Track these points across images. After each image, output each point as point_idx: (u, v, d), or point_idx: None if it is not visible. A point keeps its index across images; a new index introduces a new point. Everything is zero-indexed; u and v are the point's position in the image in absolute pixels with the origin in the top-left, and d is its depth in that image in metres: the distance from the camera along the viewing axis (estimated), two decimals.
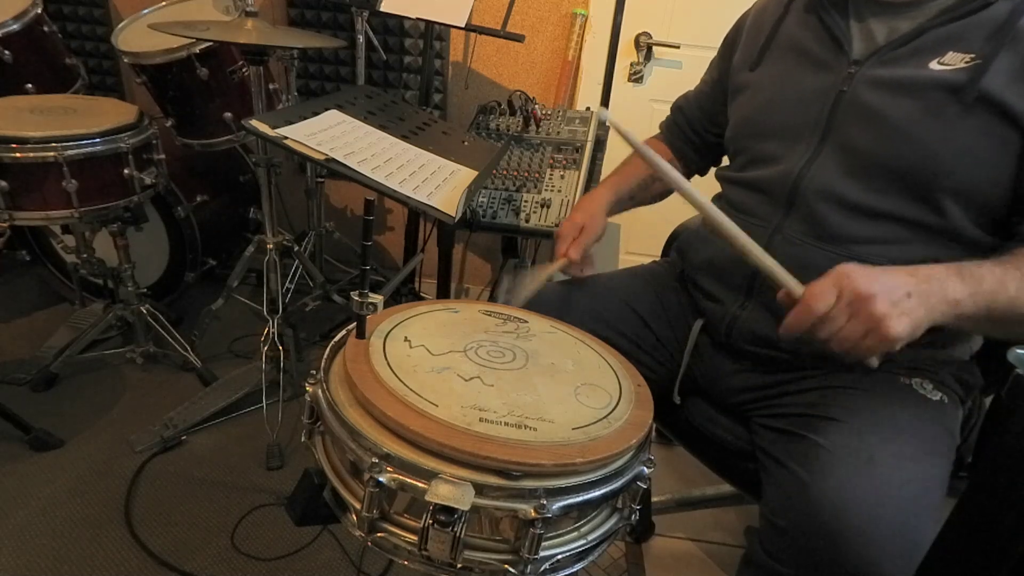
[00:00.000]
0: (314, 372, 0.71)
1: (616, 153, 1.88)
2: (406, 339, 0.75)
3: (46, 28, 1.76)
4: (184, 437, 1.59)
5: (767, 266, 0.75)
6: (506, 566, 0.60)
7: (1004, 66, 0.75)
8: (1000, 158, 0.77)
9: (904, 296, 0.66)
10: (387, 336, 0.75)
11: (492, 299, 2.08)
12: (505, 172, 1.64)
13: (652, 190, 1.17)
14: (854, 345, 0.67)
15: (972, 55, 0.77)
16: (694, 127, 1.15)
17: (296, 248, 1.81)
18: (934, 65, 0.79)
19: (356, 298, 0.70)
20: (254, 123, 1.07)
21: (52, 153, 1.39)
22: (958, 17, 0.79)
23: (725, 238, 0.78)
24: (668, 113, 1.21)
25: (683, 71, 2.02)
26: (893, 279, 0.67)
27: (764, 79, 0.96)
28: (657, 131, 1.24)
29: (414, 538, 0.61)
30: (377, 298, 0.71)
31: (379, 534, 0.63)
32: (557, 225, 1.52)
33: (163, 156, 1.63)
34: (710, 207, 0.78)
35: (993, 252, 0.83)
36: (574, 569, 0.64)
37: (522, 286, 1.00)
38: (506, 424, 0.62)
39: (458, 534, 0.57)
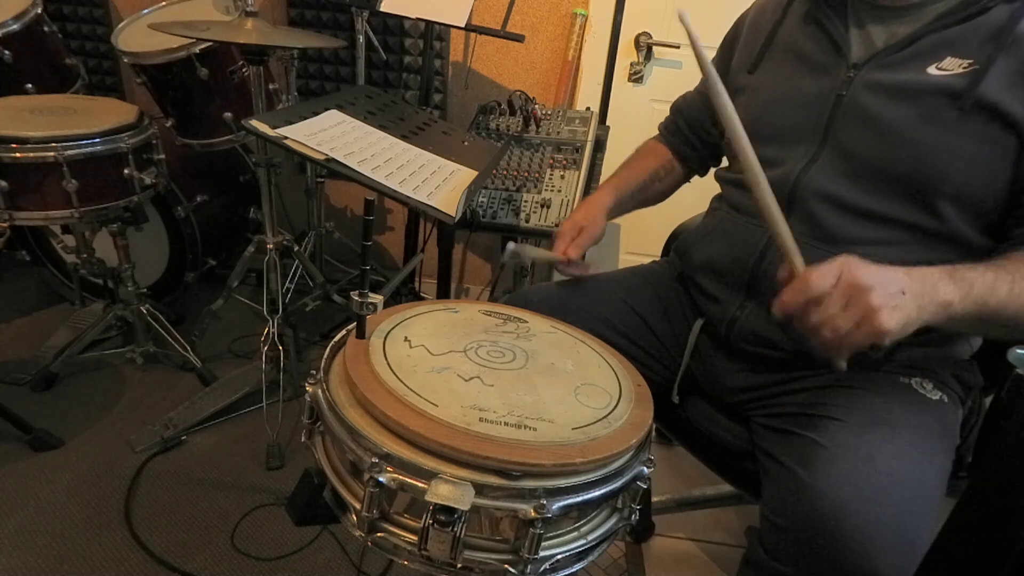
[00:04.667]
0: (314, 372, 0.71)
1: (616, 154, 1.88)
2: (406, 339, 0.75)
3: (46, 28, 1.76)
4: (184, 437, 1.59)
5: (781, 231, 0.73)
6: (506, 566, 0.60)
7: (1002, 71, 0.75)
8: (997, 163, 0.77)
9: (899, 292, 0.66)
10: (387, 336, 0.75)
11: (492, 298, 2.08)
12: (505, 172, 1.64)
13: (652, 190, 1.17)
14: (844, 335, 0.66)
15: (970, 61, 0.77)
16: (693, 128, 1.15)
17: (296, 248, 1.80)
18: (932, 70, 0.79)
19: (356, 298, 0.70)
20: (254, 123, 1.07)
21: (52, 153, 1.39)
22: (956, 22, 0.79)
23: (750, 185, 0.74)
24: (667, 113, 1.21)
25: (683, 71, 2.02)
26: (890, 275, 0.67)
27: (763, 82, 0.96)
28: (656, 132, 1.23)
29: (414, 538, 0.61)
30: (377, 298, 0.71)
31: (379, 534, 0.63)
32: (557, 225, 1.52)
33: (163, 156, 1.63)
34: (747, 152, 0.73)
35: (990, 255, 0.83)
36: (574, 569, 0.64)
37: (531, 250, 1.07)
38: (506, 424, 0.62)
39: (458, 534, 0.57)
